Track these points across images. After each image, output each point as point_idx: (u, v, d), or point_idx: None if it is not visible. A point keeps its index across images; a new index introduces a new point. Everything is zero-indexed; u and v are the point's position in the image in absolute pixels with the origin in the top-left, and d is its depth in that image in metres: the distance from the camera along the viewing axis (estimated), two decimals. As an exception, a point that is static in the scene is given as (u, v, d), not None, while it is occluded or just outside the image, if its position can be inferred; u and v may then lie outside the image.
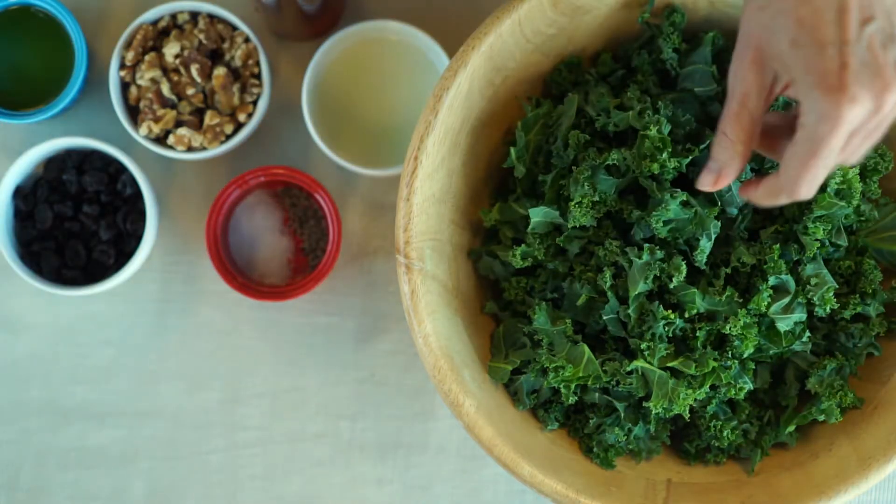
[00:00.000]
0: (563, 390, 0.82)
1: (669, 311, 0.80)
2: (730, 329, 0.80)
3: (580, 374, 0.81)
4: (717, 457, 0.86)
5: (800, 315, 0.82)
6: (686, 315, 0.80)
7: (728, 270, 0.81)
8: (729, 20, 0.86)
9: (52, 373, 1.00)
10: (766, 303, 0.80)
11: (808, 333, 0.83)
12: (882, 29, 0.65)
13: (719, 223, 0.80)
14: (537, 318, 0.82)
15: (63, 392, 1.00)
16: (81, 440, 1.00)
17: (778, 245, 0.81)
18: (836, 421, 0.83)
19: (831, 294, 0.81)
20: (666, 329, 0.80)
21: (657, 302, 0.81)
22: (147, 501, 1.00)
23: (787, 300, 0.81)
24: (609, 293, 0.81)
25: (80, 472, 1.00)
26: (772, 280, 0.80)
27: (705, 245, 0.80)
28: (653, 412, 0.82)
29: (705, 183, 0.76)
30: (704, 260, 0.81)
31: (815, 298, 0.81)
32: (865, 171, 0.85)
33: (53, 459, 1.00)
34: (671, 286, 0.80)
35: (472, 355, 0.84)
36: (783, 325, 0.81)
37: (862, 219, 0.84)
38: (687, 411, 0.81)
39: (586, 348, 0.81)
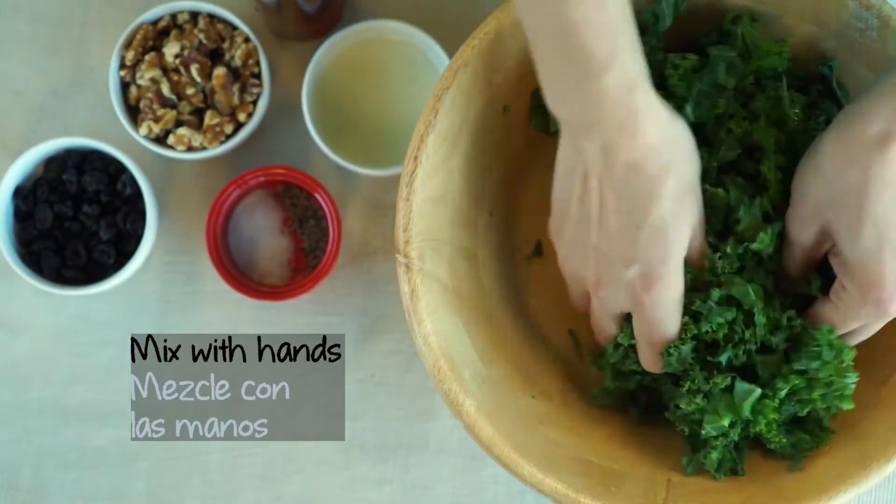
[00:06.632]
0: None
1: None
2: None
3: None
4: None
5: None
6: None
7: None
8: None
9: (52, 373, 1.00)
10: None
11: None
12: None
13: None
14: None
15: (63, 392, 1.00)
16: (81, 440, 1.00)
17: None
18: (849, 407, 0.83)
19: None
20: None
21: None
22: (147, 501, 1.00)
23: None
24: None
25: (80, 472, 1.00)
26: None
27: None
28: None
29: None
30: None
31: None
32: None
33: (53, 459, 1.00)
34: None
35: (472, 355, 0.84)
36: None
37: None
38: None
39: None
